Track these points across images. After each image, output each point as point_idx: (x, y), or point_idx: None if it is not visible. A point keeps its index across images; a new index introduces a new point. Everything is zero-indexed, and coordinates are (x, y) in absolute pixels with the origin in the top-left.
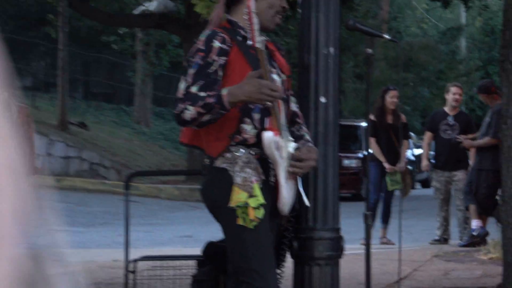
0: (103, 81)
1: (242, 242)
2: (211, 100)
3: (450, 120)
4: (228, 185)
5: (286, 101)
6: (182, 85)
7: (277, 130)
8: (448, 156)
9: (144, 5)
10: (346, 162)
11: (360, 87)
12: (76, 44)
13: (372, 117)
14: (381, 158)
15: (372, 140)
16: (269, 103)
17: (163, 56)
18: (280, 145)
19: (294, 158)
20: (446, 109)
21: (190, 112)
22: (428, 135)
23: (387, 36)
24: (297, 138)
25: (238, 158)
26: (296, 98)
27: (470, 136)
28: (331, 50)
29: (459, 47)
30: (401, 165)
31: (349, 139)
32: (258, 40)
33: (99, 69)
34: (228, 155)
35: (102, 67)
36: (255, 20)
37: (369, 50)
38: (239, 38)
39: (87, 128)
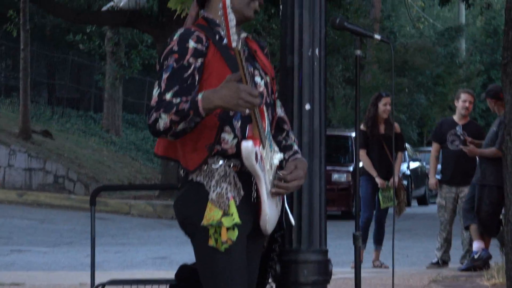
0: (69, 85)
1: (212, 265)
2: (185, 106)
3: (459, 130)
4: (202, 201)
5: (271, 106)
6: (155, 92)
7: (259, 139)
8: (456, 170)
9: (113, 1)
10: (335, 176)
11: (350, 93)
12: (39, 43)
13: (362, 126)
14: (372, 172)
15: (363, 153)
16: (247, 110)
17: (134, 58)
18: (261, 156)
19: (279, 177)
20: (455, 117)
21: (163, 121)
22: (435, 146)
23: (378, 36)
24: (284, 148)
25: (215, 171)
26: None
27: (477, 142)
28: (317, 51)
29: (459, 49)
30: (395, 180)
31: (338, 151)
32: (235, 39)
33: (65, 72)
34: (205, 167)
35: (68, 69)
36: (230, 16)
37: (358, 52)
38: (217, 37)
39: (51, 137)
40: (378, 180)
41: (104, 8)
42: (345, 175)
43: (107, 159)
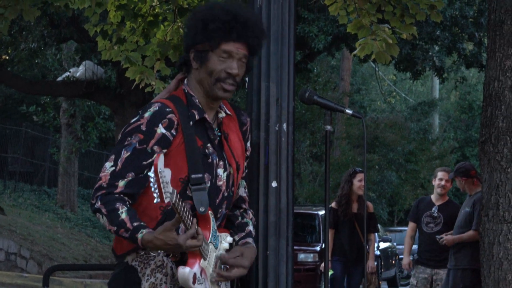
0: (22, 158)
1: None
2: (125, 235)
3: (434, 211)
4: (133, 287)
5: (228, 199)
6: (109, 166)
7: (198, 255)
8: (430, 253)
9: (69, 71)
10: (301, 256)
11: (318, 169)
12: None
13: (334, 204)
14: (329, 255)
15: (330, 233)
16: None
17: (90, 130)
18: (201, 270)
19: (222, 260)
20: (433, 197)
21: (103, 221)
22: (411, 226)
23: (349, 111)
24: (237, 227)
25: (152, 260)
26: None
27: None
28: (284, 126)
29: (432, 125)
30: (370, 264)
31: (305, 230)
32: (167, 196)
33: (18, 144)
34: (142, 252)
35: (21, 141)
36: (162, 175)
37: (329, 127)
38: (190, 121)
39: (3, 212)
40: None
41: (60, 79)
42: (312, 255)
43: (62, 236)
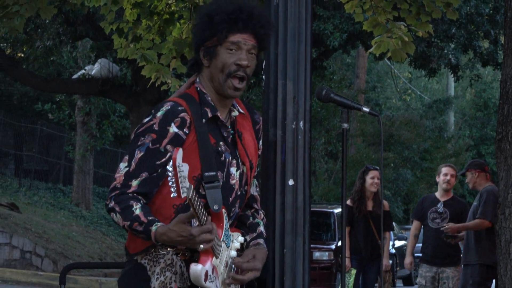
0: (37, 156)
1: None
2: (139, 228)
3: (440, 207)
4: (143, 285)
5: (241, 198)
6: (123, 167)
7: (211, 252)
8: (436, 249)
9: (84, 69)
10: (316, 254)
11: (333, 167)
12: (6, 112)
13: (349, 202)
14: (348, 252)
15: (347, 230)
16: (204, 246)
17: (106, 128)
18: (213, 268)
19: (235, 264)
20: (437, 194)
21: (117, 218)
22: (415, 224)
23: (366, 109)
24: (249, 227)
25: (161, 258)
26: (260, 179)
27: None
28: (301, 124)
29: (447, 123)
30: (385, 262)
31: (320, 228)
32: (185, 190)
33: (33, 142)
34: (152, 250)
35: (36, 139)
36: (180, 169)
37: (345, 125)
38: (203, 118)
39: (18, 210)
40: (347, 262)
41: (75, 76)
42: (327, 253)
43: (77, 234)
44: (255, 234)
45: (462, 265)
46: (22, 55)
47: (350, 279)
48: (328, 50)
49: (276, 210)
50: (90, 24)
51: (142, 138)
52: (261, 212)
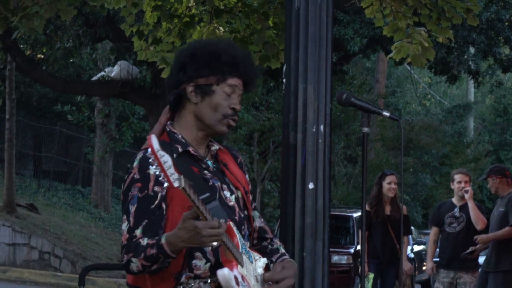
0: (56, 157)
1: None
2: (153, 251)
3: (456, 211)
4: None
5: (246, 219)
6: (124, 226)
7: (234, 260)
8: (454, 253)
9: (104, 71)
10: (335, 258)
11: (352, 171)
12: (25, 114)
13: (367, 206)
14: (365, 257)
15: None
16: (215, 243)
17: (125, 130)
18: (242, 276)
19: (267, 279)
20: (454, 200)
21: (135, 264)
22: (433, 230)
23: (387, 114)
24: (270, 252)
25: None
26: (280, 183)
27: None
28: (321, 128)
29: (467, 128)
30: (405, 267)
31: (339, 232)
32: (175, 178)
33: (52, 144)
34: (181, 287)
35: (56, 141)
36: (163, 159)
37: (366, 129)
38: (174, 154)
39: (37, 211)
40: (366, 267)
41: (95, 78)
42: (345, 257)
43: (95, 236)
44: (278, 254)
45: (493, 272)
46: (42, 56)
47: (368, 284)
48: (348, 55)
49: (296, 214)
50: (110, 26)
51: (130, 193)
52: (276, 239)
